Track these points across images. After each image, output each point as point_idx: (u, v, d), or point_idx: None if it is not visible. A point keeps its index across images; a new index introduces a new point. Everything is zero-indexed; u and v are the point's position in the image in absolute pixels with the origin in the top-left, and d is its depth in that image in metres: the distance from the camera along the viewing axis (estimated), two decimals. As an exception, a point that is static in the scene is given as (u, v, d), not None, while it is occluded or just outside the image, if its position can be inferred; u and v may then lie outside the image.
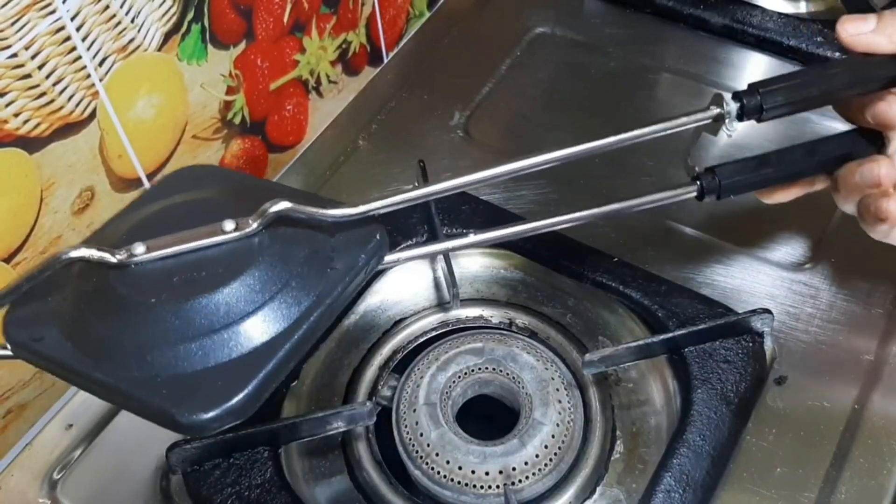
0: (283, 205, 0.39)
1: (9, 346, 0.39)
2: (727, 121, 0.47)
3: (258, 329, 0.37)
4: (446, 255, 0.57)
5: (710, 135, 0.48)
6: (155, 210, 0.43)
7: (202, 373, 0.36)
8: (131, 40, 0.49)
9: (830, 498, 0.47)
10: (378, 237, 0.42)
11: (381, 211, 0.42)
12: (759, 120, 0.47)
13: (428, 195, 0.44)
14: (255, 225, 0.39)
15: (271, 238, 0.40)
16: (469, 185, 0.44)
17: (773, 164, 0.51)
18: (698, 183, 0.51)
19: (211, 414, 0.35)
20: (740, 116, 0.47)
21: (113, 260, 0.38)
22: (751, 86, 0.47)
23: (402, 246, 0.56)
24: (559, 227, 0.49)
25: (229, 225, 0.39)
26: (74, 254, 0.38)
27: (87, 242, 0.39)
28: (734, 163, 0.51)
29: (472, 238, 0.48)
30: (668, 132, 0.47)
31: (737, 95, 0.46)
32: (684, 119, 0.47)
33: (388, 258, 0.44)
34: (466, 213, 0.59)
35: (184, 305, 0.37)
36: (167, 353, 0.37)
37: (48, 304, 0.40)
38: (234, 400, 0.35)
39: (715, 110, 0.47)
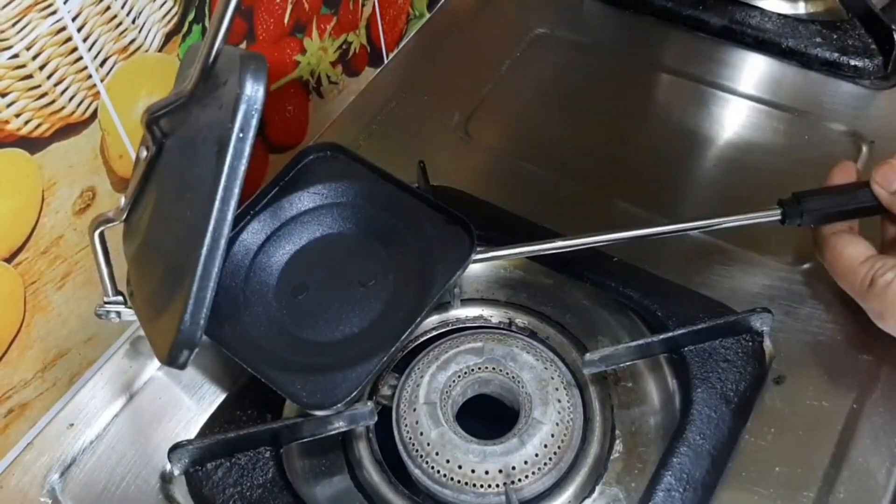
0: (145, 115, 0.42)
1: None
2: None
3: (180, 255, 0.42)
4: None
5: None
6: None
7: (171, 313, 0.43)
8: (132, 41, 0.49)
9: (829, 497, 0.47)
10: (245, 86, 0.38)
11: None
12: None
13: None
14: (151, 146, 0.43)
15: (173, 146, 0.43)
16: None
17: (862, 198, 0.52)
18: (782, 208, 0.53)
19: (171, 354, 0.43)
20: None
21: (118, 218, 0.47)
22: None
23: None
24: (625, 242, 0.53)
25: (142, 153, 0.45)
26: (100, 219, 0.48)
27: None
28: (820, 191, 0.53)
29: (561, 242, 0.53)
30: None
31: None
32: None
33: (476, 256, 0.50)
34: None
35: (148, 257, 0.46)
36: (157, 295, 0.45)
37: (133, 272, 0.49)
38: (182, 335, 0.42)
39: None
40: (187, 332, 0.41)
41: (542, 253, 0.55)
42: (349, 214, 0.54)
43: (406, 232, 0.52)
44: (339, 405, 0.47)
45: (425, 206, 0.53)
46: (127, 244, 0.49)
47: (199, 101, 0.40)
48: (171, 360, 0.42)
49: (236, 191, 0.40)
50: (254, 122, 0.39)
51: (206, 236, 0.39)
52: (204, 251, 0.40)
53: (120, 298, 0.51)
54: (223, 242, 0.40)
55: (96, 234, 0.49)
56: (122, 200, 0.47)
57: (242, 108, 0.38)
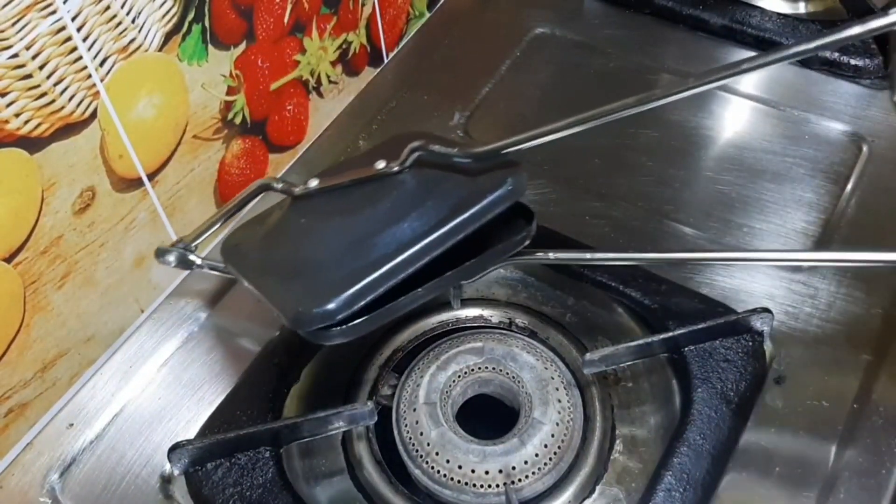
0: (416, 143, 0.46)
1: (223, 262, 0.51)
2: None
3: (371, 249, 0.44)
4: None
5: None
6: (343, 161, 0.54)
7: (323, 279, 0.44)
8: (132, 40, 0.49)
9: (830, 498, 0.47)
10: (508, 182, 0.44)
11: (514, 149, 0.44)
12: None
13: (556, 129, 0.45)
14: (397, 164, 0.46)
15: (412, 176, 0.46)
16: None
17: None
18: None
19: (312, 312, 0.43)
20: None
21: (294, 190, 0.49)
22: None
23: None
24: (649, 263, 0.54)
25: (380, 164, 0.47)
26: (269, 182, 0.50)
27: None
28: None
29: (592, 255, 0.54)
30: (829, 47, 0.40)
31: None
32: (854, 31, 0.37)
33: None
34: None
35: (322, 228, 0.47)
36: (309, 262, 0.45)
37: (253, 233, 0.51)
38: (330, 305, 0.42)
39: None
40: (335, 309, 0.42)
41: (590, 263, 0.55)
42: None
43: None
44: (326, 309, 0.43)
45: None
46: (288, 211, 0.49)
47: (456, 163, 0.46)
48: (298, 322, 0.43)
49: (449, 242, 0.44)
50: (500, 208, 0.44)
51: (404, 253, 0.43)
52: (393, 263, 0.43)
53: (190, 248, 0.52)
54: (411, 269, 0.43)
55: (257, 188, 0.50)
56: (314, 182, 0.48)
57: (501, 193, 0.44)
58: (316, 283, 0.44)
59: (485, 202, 0.44)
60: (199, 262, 0.52)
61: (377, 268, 0.43)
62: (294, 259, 0.46)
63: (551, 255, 0.53)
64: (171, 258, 0.51)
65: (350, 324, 0.44)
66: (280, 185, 0.50)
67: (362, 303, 0.43)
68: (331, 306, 0.42)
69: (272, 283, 0.46)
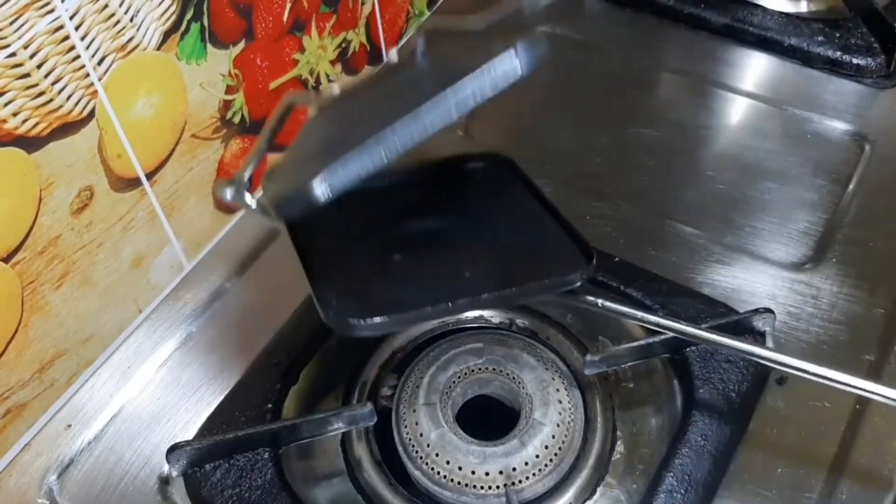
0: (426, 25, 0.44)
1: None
2: None
3: (368, 131, 0.40)
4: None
5: None
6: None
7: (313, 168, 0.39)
8: (130, 39, 0.49)
9: (831, 499, 0.47)
10: (518, 48, 0.40)
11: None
12: None
13: None
14: (408, 51, 0.43)
15: (428, 63, 0.43)
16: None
17: None
18: None
19: (293, 194, 0.39)
20: None
21: (318, 99, 0.45)
22: None
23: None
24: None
25: (393, 57, 0.45)
26: (294, 98, 0.46)
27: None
28: None
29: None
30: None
31: None
32: None
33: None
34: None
35: (334, 132, 0.43)
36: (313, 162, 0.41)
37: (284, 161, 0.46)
38: (313, 184, 0.38)
39: None
40: (317, 187, 0.38)
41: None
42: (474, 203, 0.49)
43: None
44: (358, 321, 0.41)
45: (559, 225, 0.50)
46: (311, 126, 0.47)
47: (467, 41, 0.43)
48: (282, 209, 0.41)
49: (444, 115, 0.41)
50: (505, 78, 0.40)
51: (393, 124, 0.39)
52: (378, 137, 0.39)
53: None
54: (402, 144, 0.40)
55: (286, 107, 0.47)
56: (336, 88, 0.46)
57: (506, 59, 0.40)
58: (309, 174, 0.40)
59: (484, 70, 0.40)
60: (253, 205, 0.47)
61: (364, 142, 0.39)
62: (304, 166, 0.43)
63: (600, 303, 0.50)
64: (228, 193, 0.47)
65: (370, 320, 0.41)
66: (303, 97, 0.47)
67: (352, 177, 0.39)
68: (314, 184, 0.38)
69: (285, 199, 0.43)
